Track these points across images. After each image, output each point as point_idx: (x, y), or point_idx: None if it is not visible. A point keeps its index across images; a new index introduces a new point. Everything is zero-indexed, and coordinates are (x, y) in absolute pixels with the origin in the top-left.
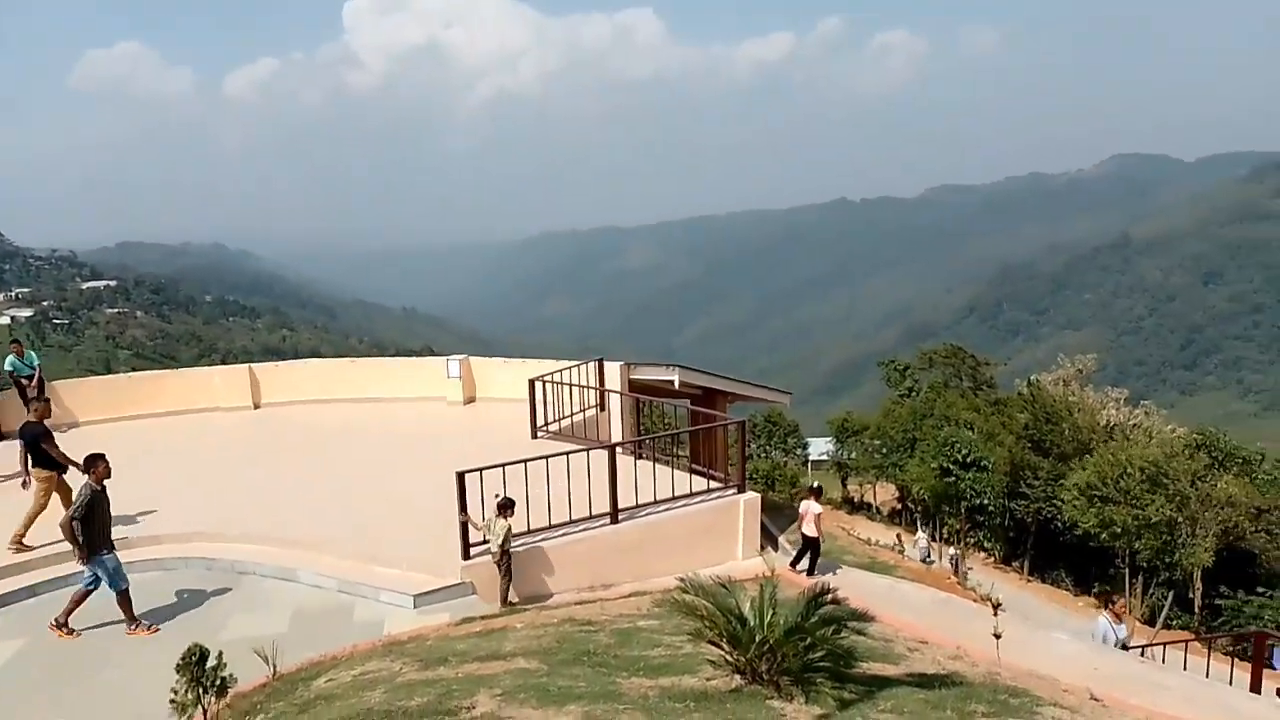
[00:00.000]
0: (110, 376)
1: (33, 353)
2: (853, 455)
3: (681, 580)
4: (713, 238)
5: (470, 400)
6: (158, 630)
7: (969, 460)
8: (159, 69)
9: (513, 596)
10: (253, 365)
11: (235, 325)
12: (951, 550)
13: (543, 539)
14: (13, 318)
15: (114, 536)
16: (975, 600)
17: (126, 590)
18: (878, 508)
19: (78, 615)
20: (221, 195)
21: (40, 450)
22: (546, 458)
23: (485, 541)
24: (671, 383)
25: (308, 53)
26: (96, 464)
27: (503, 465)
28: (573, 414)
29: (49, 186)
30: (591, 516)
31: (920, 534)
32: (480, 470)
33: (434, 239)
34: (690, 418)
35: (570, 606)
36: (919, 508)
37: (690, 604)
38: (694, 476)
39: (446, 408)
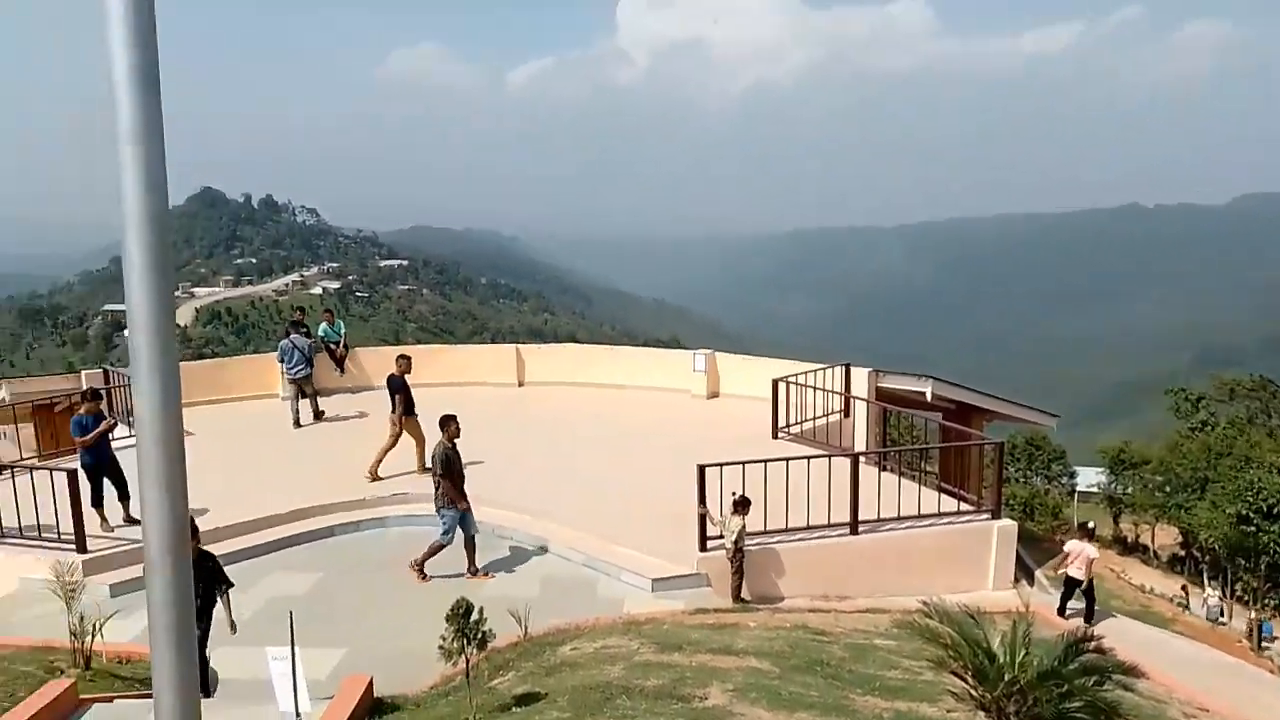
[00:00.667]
0: (398, 347)
1: (340, 322)
2: (1129, 490)
3: (925, 603)
4: (973, 241)
5: (713, 395)
6: (492, 578)
7: (1275, 510)
8: (451, 66)
9: (745, 594)
10: (519, 346)
11: (504, 307)
12: (1250, 614)
13: (778, 541)
14: (324, 288)
15: (400, 490)
16: (1273, 672)
17: (473, 537)
18: (1155, 551)
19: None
20: (499, 184)
21: (395, 397)
22: (787, 460)
23: (721, 536)
24: (923, 394)
25: (583, 50)
26: (449, 424)
27: (742, 463)
28: (815, 418)
29: (355, 172)
30: (830, 525)
31: (1209, 589)
32: (720, 466)
33: (686, 230)
34: (941, 433)
35: (804, 613)
36: (1206, 557)
37: (933, 629)
38: (942, 496)
39: (690, 400)
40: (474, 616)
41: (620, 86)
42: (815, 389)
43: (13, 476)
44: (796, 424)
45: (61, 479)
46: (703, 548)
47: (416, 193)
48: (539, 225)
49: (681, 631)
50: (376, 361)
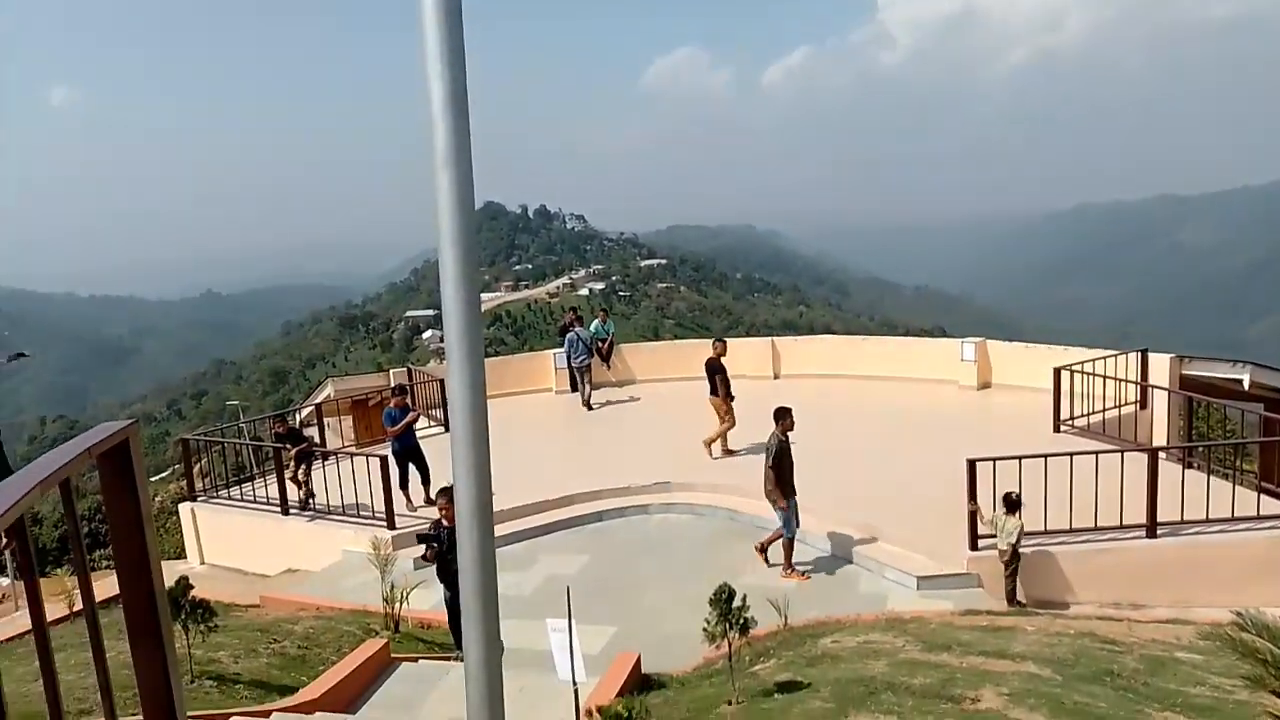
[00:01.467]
0: (656, 343)
1: (611, 321)
2: None
3: (1239, 614)
4: None
5: (984, 386)
6: (809, 579)
7: None
8: (705, 69)
9: (1020, 597)
10: (774, 338)
11: (759, 301)
12: None
13: (1059, 543)
14: (590, 289)
15: (658, 480)
16: None
17: (793, 538)
18: None
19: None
20: (753, 180)
21: (715, 379)
22: (1071, 455)
23: (993, 535)
24: (1239, 383)
25: (840, 37)
26: (785, 417)
27: (1018, 457)
28: (1105, 409)
29: (616, 179)
30: (1122, 526)
31: None
32: (993, 460)
33: (951, 212)
34: (1263, 426)
35: (1090, 620)
36: None
37: (1250, 644)
38: (1262, 497)
39: (958, 392)
40: (736, 602)
41: (882, 71)
42: (1105, 378)
43: (336, 462)
44: (1082, 416)
45: (375, 464)
46: (973, 546)
47: (672, 193)
48: (795, 219)
49: (950, 631)
50: (638, 358)
